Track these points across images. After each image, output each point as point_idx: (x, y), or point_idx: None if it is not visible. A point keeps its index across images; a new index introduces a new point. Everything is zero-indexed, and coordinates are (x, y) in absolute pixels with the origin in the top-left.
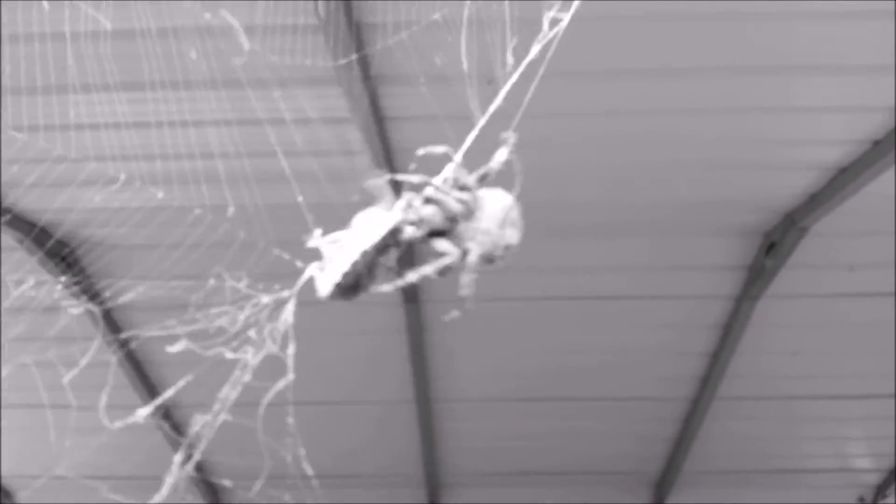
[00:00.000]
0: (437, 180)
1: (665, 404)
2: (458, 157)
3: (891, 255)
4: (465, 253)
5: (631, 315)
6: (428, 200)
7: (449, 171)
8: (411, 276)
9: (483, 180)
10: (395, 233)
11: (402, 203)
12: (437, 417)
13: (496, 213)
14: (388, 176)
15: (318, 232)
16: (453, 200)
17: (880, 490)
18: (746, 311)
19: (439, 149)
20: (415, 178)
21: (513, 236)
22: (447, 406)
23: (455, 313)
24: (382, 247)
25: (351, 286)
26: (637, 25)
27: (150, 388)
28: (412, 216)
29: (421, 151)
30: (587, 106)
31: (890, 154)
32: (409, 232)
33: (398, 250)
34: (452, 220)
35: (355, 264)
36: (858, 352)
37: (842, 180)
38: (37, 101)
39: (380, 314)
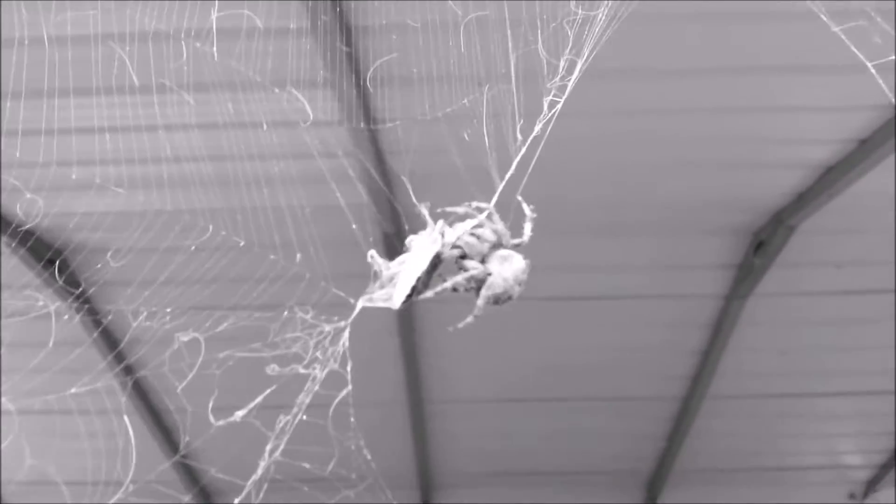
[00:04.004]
0: (480, 223)
1: (656, 403)
2: (490, 209)
3: (878, 252)
4: (483, 280)
5: (620, 314)
6: (473, 234)
7: (489, 216)
8: (447, 284)
9: (517, 247)
10: (439, 255)
11: (438, 231)
12: (430, 418)
13: (516, 270)
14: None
15: (372, 252)
16: (489, 236)
17: (870, 486)
18: (735, 310)
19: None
20: (460, 210)
21: (517, 293)
22: (439, 407)
23: (459, 326)
24: (432, 267)
25: (413, 295)
26: (626, 27)
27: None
28: (458, 243)
29: (449, 209)
30: (575, 106)
31: (876, 152)
32: (450, 254)
33: (442, 266)
34: (483, 258)
35: (417, 281)
36: (847, 349)
37: (829, 179)
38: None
39: (371, 315)
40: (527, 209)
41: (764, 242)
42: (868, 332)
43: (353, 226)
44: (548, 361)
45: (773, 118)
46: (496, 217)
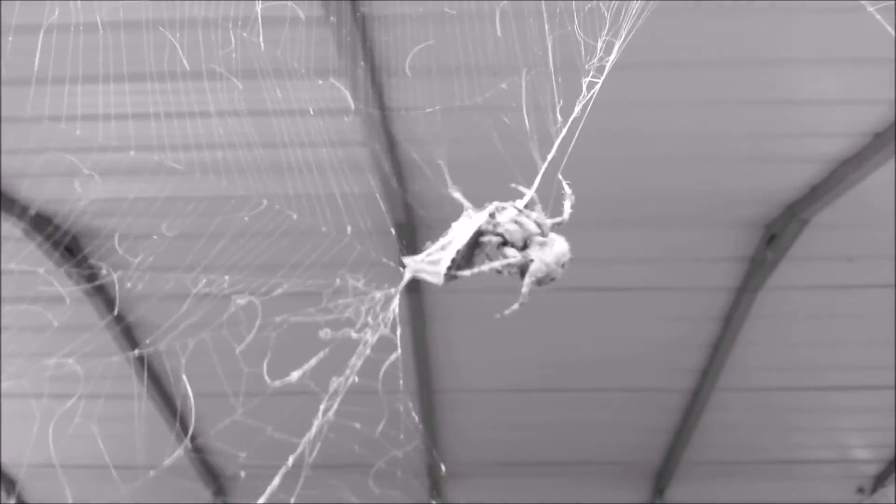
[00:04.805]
0: (523, 208)
1: (665, 395)
2: (530, 196)
3: (891, 246)
4: (526, 266)
5: (631, 306)
6: (516, 221)
7: (530, 203)
8: (485, 267)
9: (558, 226)
10: (479, 235)
11: (487, 214)
12: (439, 408)
13: (559, 254)
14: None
15: (406, 258)
16: (534, 227)
17: (879, 480)
18: (747, 303)
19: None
20: (509, 205)
21: (560, 275)
22: (448, 397)
23: (505, 312)
24: (473, 244)
25: (454, 273)
26: (641, 21)
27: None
28: (496, 228)
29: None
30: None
31: (890, 146)
32: (490, 240)
33: (486, 247)
34: (525, 243)
35: (454, 259)
36: (858, 343)
37: (842, 172)
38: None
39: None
40: (567, 188)
41: (776, 235)
42: (880, 326)
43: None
44: (557, 353)
45: (786, 112)
46: (537, 206)
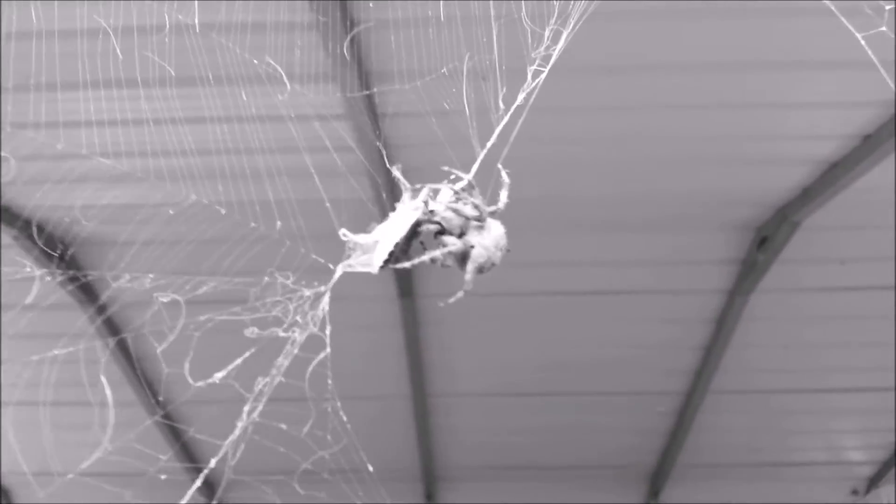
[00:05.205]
0: (458, 194)
1: (659, 398)
2: (468, 179)
3: (882, 248)
4: (466, 253)
5: (624, 310)
6: (451, 209)
7: (466, 190)
8: (425, 256)
9: (493, 214)
10: (417, 225)
11: (420, 202)
12: (433, 412)
13: (496, 237)
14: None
15: (343, 230)
16: (470, 211)
17: (873, 482)
18: (739, 305)
19: (463, 176)
20: (442, 187)
21: (499, 259)
22: (443, 401)
23: (450, 300)
24: (411, 234)
25: (391, 261)
26: (632, 23)
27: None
28: (434, 217)
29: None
30: (581, 102)
31: (881, 148)
32: (428, 228)
33: (422, 236)
34: (462, 231)
35: (393, 249)
36: (851, 345)
37: (833, 175)
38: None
39: (375, 309)
40: (505, 176)
41: (768, 238)
42: (871, 328)
43: (329, 204)
44: (551, 356)
45: (777, 114)
46: (475, 190)
